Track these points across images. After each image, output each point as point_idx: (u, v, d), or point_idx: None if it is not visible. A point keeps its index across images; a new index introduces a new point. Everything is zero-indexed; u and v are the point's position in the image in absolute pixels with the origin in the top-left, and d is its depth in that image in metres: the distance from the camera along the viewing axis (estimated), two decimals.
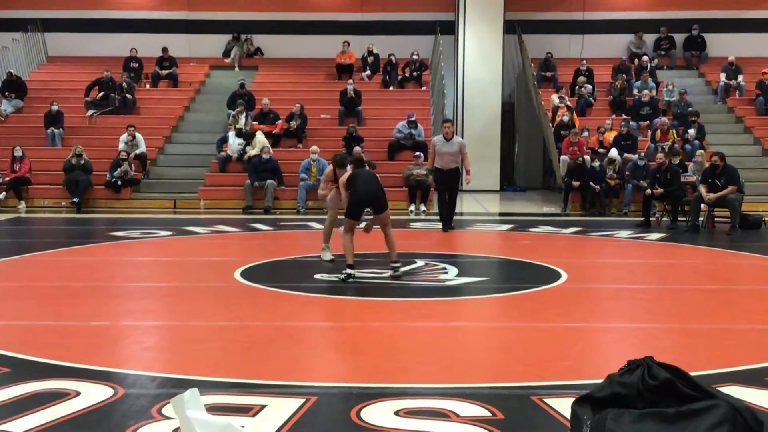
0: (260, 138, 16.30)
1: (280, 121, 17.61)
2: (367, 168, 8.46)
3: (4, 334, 5.42)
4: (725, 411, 1.56)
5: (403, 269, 7.83)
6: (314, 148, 15.49)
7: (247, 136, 16.52)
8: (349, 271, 7.49)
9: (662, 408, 1.59)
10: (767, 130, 17.82)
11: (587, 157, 15.59)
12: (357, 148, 15.55)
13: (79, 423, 3.55)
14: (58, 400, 3.84)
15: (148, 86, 20.32)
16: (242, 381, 4.27)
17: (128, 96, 18.78)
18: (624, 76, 19.17)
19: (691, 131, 16.55)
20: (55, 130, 17.42)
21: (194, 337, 5.40)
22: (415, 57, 20.11)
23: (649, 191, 12.98)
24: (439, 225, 12.06)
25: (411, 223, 13.75)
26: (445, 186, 11.99)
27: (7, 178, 15.65)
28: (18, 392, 3.97)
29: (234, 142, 16.48)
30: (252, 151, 16.01)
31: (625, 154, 15.72)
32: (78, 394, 3.95)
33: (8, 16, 21.22)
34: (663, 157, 13.21)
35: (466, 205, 17.42)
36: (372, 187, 7.82)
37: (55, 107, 17.56)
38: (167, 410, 3.69)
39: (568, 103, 18.08)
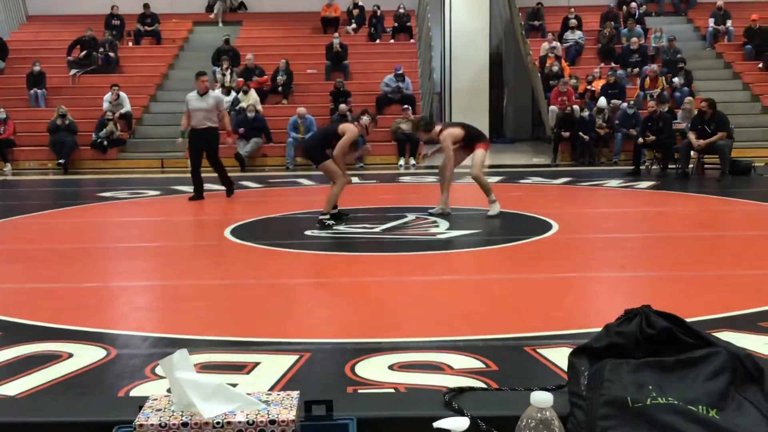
0: (253, 94, 16.16)
1: (265, 76, 17.40)
2: (347, 121, 8.77)
3: None
4: (725, 358, 1.54)
5: (329, 223, 7.87)
6: (301, 110, 15.42)
7: (244, 92, 16.34)
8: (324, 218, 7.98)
9: (661, 357, 1.57)
10: (756, 75, 17.75)
11: (576, 107, 15.50)
12: (342, 105, 15.41)
13: (73, 384, 3.53)
14: (50, 362, 3.82)
15: (130, 44, 20.00)
16: (235, 339, 4.26)
17: (111, 54, 18.50)
18: (612, 23, 18.99)
19: (677, 79, 16.46)
20: (38, 91, 17.19)
21: (186, 296, 5.37)
22: (401, 11, 19.85)
23: (640, 140, 12.93)
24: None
25: (401, 177, 13.73)
26: (199, 149, 10.33)
27: None
28: (10, 355, 3.94)
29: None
30: (244, 103, 15.81)
31: (613, 101, 15.62)
32: (70, 355, 3.92)
33: None
34: (654, 105, 13.14)
35: None
36: (306, 141, 8.51)
37: (37, 68, 17.30)
38: (160, 370, 3.67)
39: (558, 52, 17.91)
